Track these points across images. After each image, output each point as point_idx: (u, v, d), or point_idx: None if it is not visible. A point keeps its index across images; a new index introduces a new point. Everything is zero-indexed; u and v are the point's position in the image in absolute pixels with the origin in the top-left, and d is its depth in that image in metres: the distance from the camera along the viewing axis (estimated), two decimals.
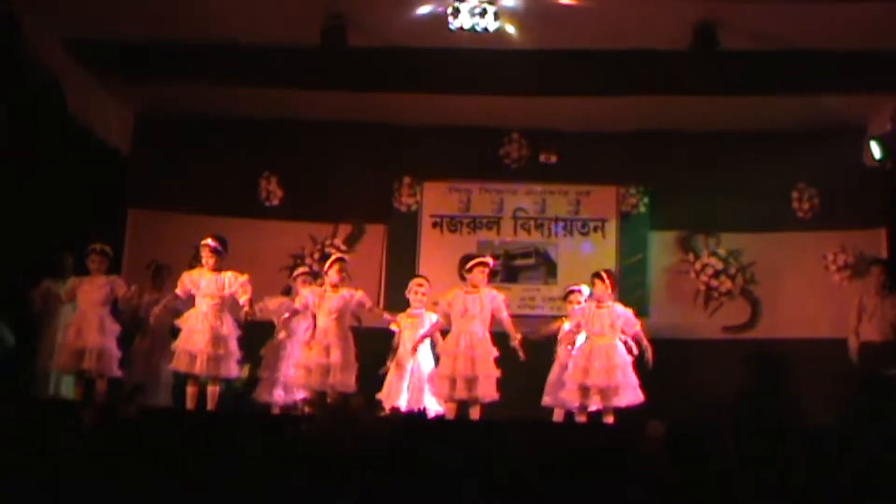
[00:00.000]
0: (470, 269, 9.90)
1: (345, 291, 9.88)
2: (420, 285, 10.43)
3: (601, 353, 9.60)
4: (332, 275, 9.90)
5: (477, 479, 7.10)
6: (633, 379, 9.61)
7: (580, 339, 9.94)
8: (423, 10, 9.81)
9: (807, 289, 12.26)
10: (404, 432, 7.24)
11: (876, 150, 11.10)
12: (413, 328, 10.33)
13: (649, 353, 9.79)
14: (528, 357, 9.78)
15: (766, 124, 12.20)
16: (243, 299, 9.95)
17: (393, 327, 10.47)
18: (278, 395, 10.38)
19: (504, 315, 9.83)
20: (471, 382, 9.51)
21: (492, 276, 11.62)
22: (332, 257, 10.20)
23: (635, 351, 9.85)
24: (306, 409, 9.79)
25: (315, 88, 11.63)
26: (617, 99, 11.67)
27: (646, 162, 12.64)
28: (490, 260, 10.07)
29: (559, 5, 9.80)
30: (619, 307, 9.92)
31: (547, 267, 12.64)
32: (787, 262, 12.44)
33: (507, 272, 12.65)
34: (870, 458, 7.48)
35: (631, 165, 12.67)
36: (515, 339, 9.69)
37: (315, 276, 10.65)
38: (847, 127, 11.95)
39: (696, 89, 11.15)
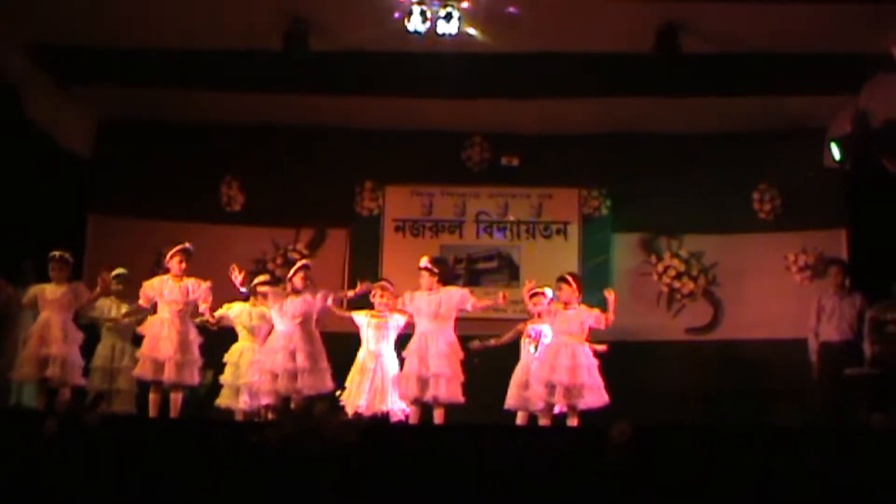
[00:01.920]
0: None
1: (307, 295, 9.85)
2: (384, 289, 10.40)
3: (567, 352, 9.61)
4: (297, 282, 9.89)
5: (441, 482, 7.11)
6: (599, 381, 9.63)
7: (547, 339, 9.95)
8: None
9: (768, 290, 12.32)
10: (368, 437, 7.24)
11: (836, 151, 11.16)
12: (377, 329, 10.30)
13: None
14: (482, 354, 9.82)
15: (728, 126, 12.26)
16: (203, 307, 9.97)
17: (354, 314, 10.42)
18: (243, 402, 10.34)
19: (469, 306, 9.87)
20: (425, 382, 9.53)
21: (455, 279, 11.69)
22: (297, 265, 10.17)
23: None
24: (270, 416, 9.75)
25: (277, 93, 11.61)
26: (579, 101, 11.73)
27: (608, 164, 12.67)
28: (428, 265, 10.02)
29: (521, 8, 9.84)
30: (585, 309, 9.93)
31: (510, 270, 12.67)
32: (748, 263, 12.51)
33: (470, 275, 12.64)
34: (830, 457, 7.55)
35: (593, 168, 12.70)
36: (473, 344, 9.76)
37: (276, 282, 10.60)
38: (807, 128, 12.03)
39: (658, 92, 11.21)
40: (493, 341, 10.41)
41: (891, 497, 7.15)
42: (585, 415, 9.60)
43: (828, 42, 10.10)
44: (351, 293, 10.25)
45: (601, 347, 10.10)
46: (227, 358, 10.45)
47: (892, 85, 10.03)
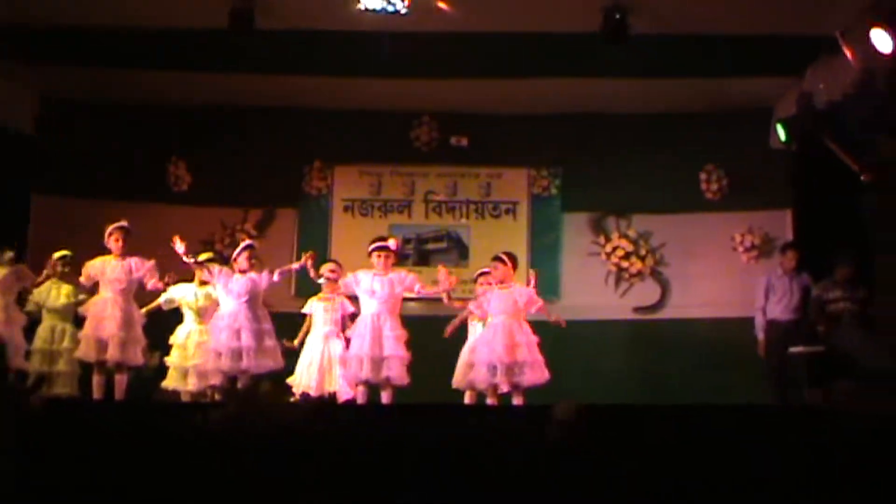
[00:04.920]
0: (369, 255, 9.92)
1: (253, 274, 9.80)
2: (333, 270, 10.35)
3: (505, 331, 9.61)
4: (242, 262, 9.84)
5: (387, 463, 7.11)
6: (539, 357, 9.63)
7: (488, 320, 9.95)
8: None
9: (715, 269, 12.43)
10: (314, 417, 7.22)
11: (781, 132, 11.27)
12: (325, 311, 10.27)
13: (556, 319, 9.94)
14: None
15: (676, 106, 12.33)
16: (152, 282, 9.90)
17: (305, 310, 10.38)
18: (191, 384, 10.27)
19: (418, 289, 9.91)
20: (379, 364, 9.52)
21: (403, 259, 11.69)
22: (242, 245, 10.12)
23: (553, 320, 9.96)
24: (216, 397, 9.71)
25: (223, 72, 11.52)
26: (527, 81, 11.71)
27: (557, 144, 12.72)
28: (391, 244, 10.00)
29: None
30: (521, 286, 9.97)
31: (459, 250, 12.69)
32: (695, 242, 12.60)
33: (419, 256, 12.67)
34: (774, 436, 7.62)
35: (542, 147, 12.75)
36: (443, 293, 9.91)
37: (224, 262, 10.53)
38: (754, 110, 12.11)
39: (606, 73, 11.25)
40: (454, 325, 10.38)
41: (831, 474, 7.22)
42: (532, 393, 9.64)
43: (773, 24, 10.15)
44: (296, 265, 10.20)
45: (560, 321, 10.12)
46: (173, 339, 10.38)
47: (835, 67, 10.10)
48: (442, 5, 9.79)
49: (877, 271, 10.47)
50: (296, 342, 10.27)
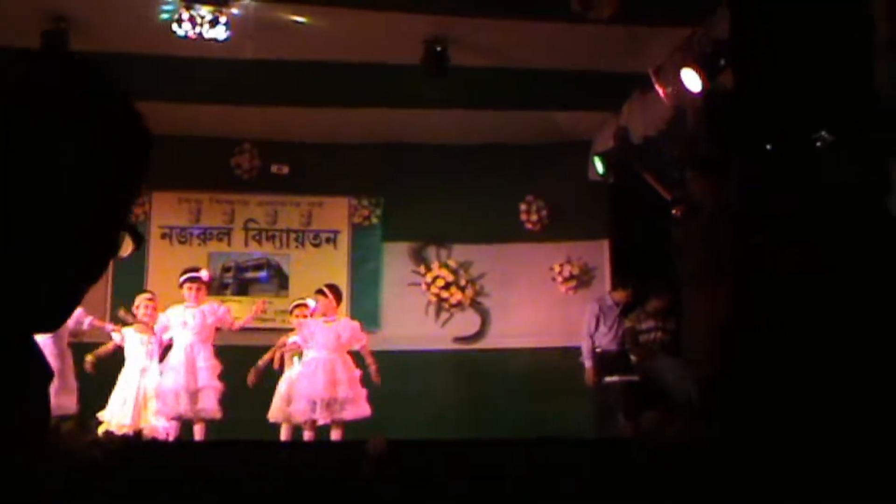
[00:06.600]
0: (181, 286, 9.77)
1: None
2: (150, 300, 10.11)
3: (327, 366, 9.57)
4: None
5: (198, 501, 6.95)
6: (361, 392, 9.64)
7: (308, 353, 9.87)
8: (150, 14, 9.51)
9: (534, 299, 12.58)
10: (118, 457, 7.01)
11: (599, 165, 11.50)
12: (143, 343, 10.01)
13: (374, 368, 9.88)
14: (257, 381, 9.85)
15: (497, 138, 12.44)
16: None
17: (115, 335, 10.09)
18: None
19: (227, 325, 9.81)
20: (194, 396, 9.36)
21: (223, 288, 11.50)
22: None
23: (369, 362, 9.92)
24: None
25: None
26: (349, 111, 11.67)
27: (378, 174, 12.69)
28: (203, 274, 9.89)
29: (291, 16, 9.73)
30: (346, 321, 9.93)
31: (279, 279, 12.54)
32: (515, 273, 12.73)
33: (239, 285, 12.46)
34: (587, 467, 7.71)
35: (363, 177, 12.69)
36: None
37: None
38: (573, 143, 12.36)
39: (428, 103, 11.29)
40: (259, 363, 10.18)
41: None
42: (351, 425, 9.59)
43: (593, 60, 10.32)
44: (109, 327, 9.99)
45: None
46: None
47: (649, 103, 10.36)
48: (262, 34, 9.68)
49: (682, 303, 10.75)
50: (90, 357, 9.94)
